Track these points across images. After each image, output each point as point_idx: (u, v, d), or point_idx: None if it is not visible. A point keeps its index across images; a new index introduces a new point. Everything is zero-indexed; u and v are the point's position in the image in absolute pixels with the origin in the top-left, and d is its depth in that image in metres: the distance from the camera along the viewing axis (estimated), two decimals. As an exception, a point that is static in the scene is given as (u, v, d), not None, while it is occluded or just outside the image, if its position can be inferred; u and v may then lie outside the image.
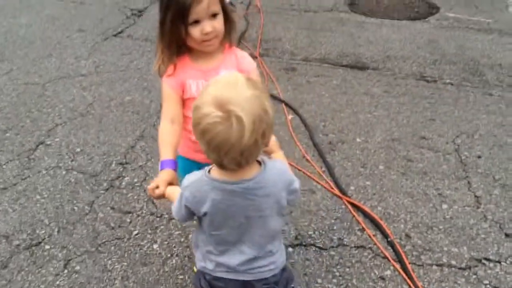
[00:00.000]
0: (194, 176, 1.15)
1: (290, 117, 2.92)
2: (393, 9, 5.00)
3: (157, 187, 1.27)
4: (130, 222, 2.08)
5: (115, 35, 4.05)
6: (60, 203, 2.17)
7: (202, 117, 1.00)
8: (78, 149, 2.56)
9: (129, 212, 2.13)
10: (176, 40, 1.37)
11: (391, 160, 2.56)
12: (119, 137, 2.68)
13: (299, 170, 2.44)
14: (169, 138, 1.39)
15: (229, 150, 1.00)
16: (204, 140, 1.02)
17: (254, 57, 3.69)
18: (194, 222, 1.32)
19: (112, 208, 2.15)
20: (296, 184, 1.18)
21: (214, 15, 1.33)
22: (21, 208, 2.13)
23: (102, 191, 2.26)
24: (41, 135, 2.66)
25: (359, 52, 3.89)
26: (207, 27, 1.32)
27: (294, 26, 4.39)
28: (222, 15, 1.35)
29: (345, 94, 3.23)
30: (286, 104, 3.05)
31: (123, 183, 2.31)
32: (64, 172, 2.37)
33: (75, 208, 2.14)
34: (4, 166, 2.41)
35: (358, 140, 2.73)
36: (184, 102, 1.44)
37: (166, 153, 1.37)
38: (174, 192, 1.25)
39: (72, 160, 2.47)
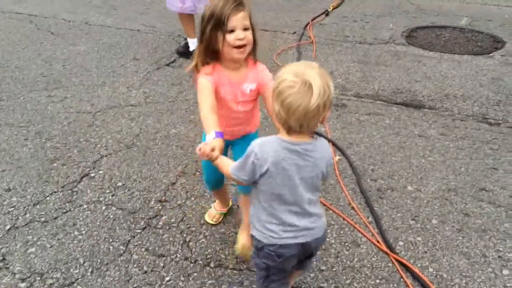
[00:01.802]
0: (264, 139, 1.41)
1: (337, 158, 2.78)
2: (454, 42, 4.75)
3: (213, 149, 1.47)
4: (164, 266, 2.02)
5: (167, 65, 4.11)
6: (96, 241, 2.15)
7: (281, 81, 1.30)
8: (120, 183, 2.55)
9: (163, 256, 2.07)
10: (212, 46, 1.64)
11: (446, 214, 2.35)
12: (161, 172, 2.65)
13: (343, 218, 2.30)
14: (213, 117, 1.60)
15: (296, 110, 1.28)
16: (279, 100, 1.31)
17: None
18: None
19: (147, 249, 2.10)
20: (331, 162, 1.49)
21: (246, 29, 1.62)
22: (59, 244, 2.13)
23: (139, 230, 2.22)
24: (86, 167, 2.69)
25: (415, 88, 3.70)
26: (240, 34, 1.61)
27: (347, 58, 4.27)
28: (251, 32, 1.64)
29: (397, 135, 3.05)
30: (334, 144, 2.91)
31: (160, 223, 2.27)
32: (104, 208, 2.37)
33: (111, 247, 2.11)
34: (48, 198, 2.43)
35: (409, 188, 2.55)
36: (218, 101, 1.69)
37: (215, 126, 1.57)
38: (224, 161, 1.53)
39: (113, 195, 2.46)
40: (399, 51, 4.47)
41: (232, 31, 1.60)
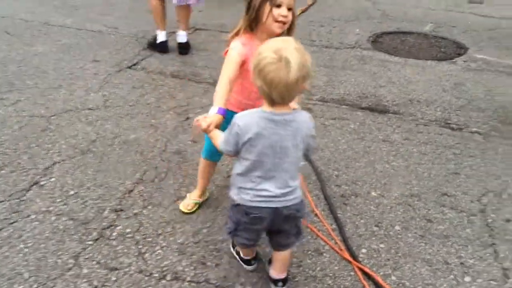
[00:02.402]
0: (245, 111, 1.57)
1: (301, 164, 2.71)
2: (419, 48, 4.80)
3: (209, 125, 1.65)
4: (116, 280, 1.90)
5: (129, 67, 3.97)
6: (43, 254, 2.01)
7: (262, 59, 1.42)
8: (72, 192, 2.41)
9: (116, 269, 1.95)
10: (258, 16, 1.78)
11: (409, 220, 2.33)
12: (118, 179, 2.53)
13: (307, 226, 2.23)
14: (225, 92, 1.77)
15: (278, 84, 1.41)
16: (261, 76, 1.43)
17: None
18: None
19: (98, 262, 1.98)
20: (313, 134, 1.61)
21: (289, 9, 1.77)
22: (2, 258, 1.98)
23: (90, 242, 2.09)
24: (37, 174, 2.53)
25: (380, 93, 3.69)
26: (284, 11, 1.76)
27: (313, 63, 4.21)
28: (291, 13, 1.79)
29: (362, 140, 3.02)
30: (298, 150, 2.85)
31: (114, 234, 2.14)
32: (53, 218, 2.22)
33: (59, 260, 1.98)
34: (-7, 208, 2.28)
35: (373, 194, 2.51)
36: (242, 73, 1.82)
37: (221, 102, 1.75)
38: (216, 134, 1.67)
39: (64, 204, 2.32)
40: (365, 55, 4.47)
41: (279, 6, 1.75)
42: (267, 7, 1.75)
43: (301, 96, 1.76)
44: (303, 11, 5.78)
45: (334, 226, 2.27)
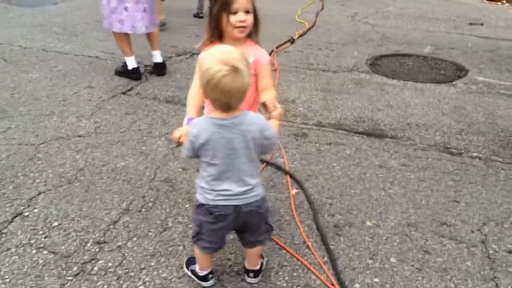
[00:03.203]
0: (199, 119, 1.71)
1: (293, 191, 2.64)
2: (417, 70, 4.74)
3: (181, 136, 1.76)
4: (93, 319, 1.80)
5: (123, 93, 3.94)
6: (20, 290, 1.92)
7: (215, 73, 1.49)
8: (56, 223, 2.33)
9: (94, 307, 1.86)
10: (218, 26, 1.88)
11: (406, 251, 2.21)
12: (103, 210, 2.45)
13: (297, 259, 2.13)
14: (196, 100, 1.93)
15: (237, 92, 1.53)
16: (218, 90, 1.52)
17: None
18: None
19: (76, 300, 1.88)
20: (269, 132, 1.66)
21: (247, 12, 1.84)
22: (-24, 295, 1.90)
23: (70, 277, 1.99)
24: (21, 205, 2.46)
25: (377, 117, 3.62)
26: (242, 17, 1.83)
27: (310, 86, 4.19)
28: (252, 15, 1.86)
29: (358, 166, 2.93)
30: (291, 177, 2.77)
31: (95, 268, 2.05)
32: (34, 251, 2.14)
33: (35, 298, 1.89)
34: (-28, 241, 2.20)
35: (368, 223, 2.41)
36: None
37: (192, 112, 1.92)
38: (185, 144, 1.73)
39: (46, 237, 2.23)
40: (363, 79, 4.42)
41: (235, 12, 1.82)
42: (224, 16, 1.84)
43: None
44: (300, 35, 5.77)
45: (326, 258, 2.16)
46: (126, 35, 4.08)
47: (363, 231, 2.35)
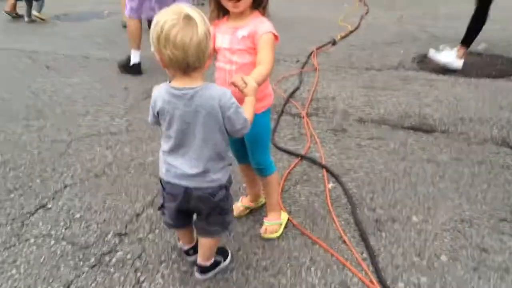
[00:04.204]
0: (161, 84, 1.51)
1: (329, 185, 2.41)
2: (471, 66, 4.38)
3: None
4: (105, 313, 1.66)
5: (159, 94, 3.87)
6: (34, 281, 1.81)
7: (163, 24, 1.32)
8: (78, 215, 2.24)
9: (107, 300, 1.71)
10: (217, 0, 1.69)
11: (459, 249, 1.93)
12: (128, 202, 2.33)
13: (332, 254, 1.90)
14: None
15: (190, 43, 1.32)
16: (170, 43, 1.32)
17: (301, 117, 3.28)
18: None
19: (90, 292, 1.75)
20: (232, 112, 1.44)
21: None
22: (-11, 284, 1.81)
23: (86, 268, 1.87)
24: (45, 197, 2.39)
25: (425, 112, 3.33)
26: None
27: (351, 84, 3.95)
28: None
29: (403, 160, 2.67)
30: (327, 170, 2.55)
31: (113, 260, 1.92)
32: (53, 242, 2.04)
33: (48, 288, 1.77)
34: (-7, 231, 2.13)
35: (414, 219, 2.14)
36: (216, 52, 1.77)
37: None
38: None
39: (66, 228, 2.14)
40: (409, 75, 4.14)
41: None
42: None
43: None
44: (343, 37, 5.56)
45: (365, 255, 1.91)
46: (140, 26, 4.19)
47: (408, 227, 2.08)
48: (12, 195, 2.43)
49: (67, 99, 3.79)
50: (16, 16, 7.15)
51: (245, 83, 1.51)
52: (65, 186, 2.49)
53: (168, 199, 1.63)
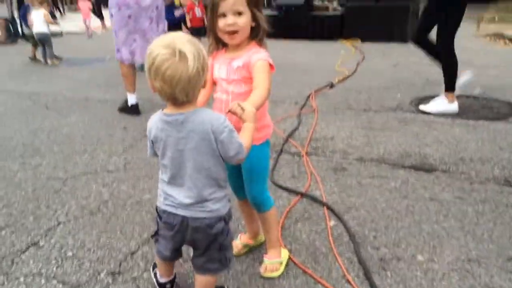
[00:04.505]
0: (153, 115, 1.49)
1: (331, 223, 2.34)
2: (468, 109, 4.42)
3: None
4: None
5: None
6: (21, 321, 1.72)
7: (155, 57, 1.31)
8: (70, 253, 2.15)
9: None
10: (213, 32, 1.70)
11: (467, 289, 1.85)
12: (123, 240, 2.25)
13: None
14: None
15: (179, 80, 1.31)
16: (159, 76, 1.32)
17: (300, 156, 3.25)
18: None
19: (79, 333, 1.65)
20: (225, 136, 1.40)
21: (239, 13, 1.62)
22: (-28, 324, 1.70)
23: (77, 308, 1.78)
24: (38, 235, 2.31)
25: (425, 152, 3.31)
26: (229, 20, 1.61)
27: (350, 124, 3.96)
28: (248, 16, 1.64)
29: (405, 198, 2.62)
30: (328, 208, 2.49)
31: (105, 299, 1.83)
32: (43, 281, 1.95)
33: (34, 329, 1.67)
34: (-19, 270, 2.04)
35: (420, 258, 2.06)
36: (214, 83, 1.78)
37: None
38: None
39: (57, 267, 2.05)
40: (407, 117, 4.15)
41: (224, 15, 1.62)
42: (214, 20, 1.66)
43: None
44: (340, 81, 5.64)
45: (370, 295, 1.83)
46: (133, 70, 4.34)
47: (414, 266, 2.00)
48: (3, 232, 2.35)
49: (65, 138, 3.77)
50: (34, 59, 7.65)
51: (242, 109, 1.47)
52: (59, 224, 2.42)
53: (164, 229, 1.56)
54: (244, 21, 1.63)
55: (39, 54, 7.52)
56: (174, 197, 1.48)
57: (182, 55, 1.30)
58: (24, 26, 7.58)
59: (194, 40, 1.37)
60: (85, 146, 3.58)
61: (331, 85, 5.33)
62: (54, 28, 7.40)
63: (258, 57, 1.66)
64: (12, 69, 7.10)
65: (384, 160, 3.18)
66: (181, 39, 1.34)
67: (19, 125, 4.15)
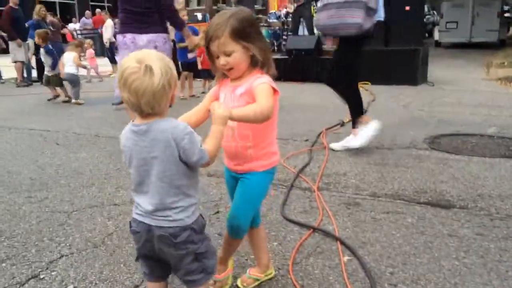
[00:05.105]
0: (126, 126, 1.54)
1: (345, 258, 2.22)
2: (483, 147, 4.33)
3: None
4: None
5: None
6: None
7: (124, 69, 1.39)
8: (71, 286, 2.05)
9: None
10: (215, 67, 1.77)
11: (495, 329, 1.70)
12: (125, 273, 2.15)
13: None
14: (188, 114, 1.79)
15: (144, 92, 1.38)
16: (126, 87, 1.39)
17: (312, 191, 3.16)
18: None
19: None
20: (186, 142, 1.43)
21: (228, 54, 1.68)
22: None
23: None
24: (39, 267, 2.22)
25: (441, 189, 3.20)
26: (221, 61, 1.70)
27: (363, 161, 3.88)
28: (239, 51, 1.68)
29: (423, 234, 2.49)
30: (342, 243, 2.37)
31: (105, 335, 1.71)
32: (40, 314, 1.85)
33: None
34: (-23, 302, 1.95)
35: (441, 295, 1.93)
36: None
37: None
38: None
39: (57, 299, 1.95)
40: (422, 155, 4.06)
41: (217, 57, 1.71)
42: (213, 60, 1.75)
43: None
44: (350, 120, 5.60)
45: (389, 334, 1.69)
46: None
47: (435, 304, 1.87)
48: (3, 265, 2.26)
49: (74, 172, 3.73)
50: (53, 99, 7.97)
51: (217, 108, 1.54)
52: (61, 256, 2.33)
53: (135, 241, 1.57)
54: (235, 59, 1.69)
55: (62, 93, 7.73)
56: (141, 205, 1.51)
57: (149, 70, 1.37)
58: (47, 68, 7.79)
59: (165, 57, 1.45)
60: (93, 180, 3.53)
61: (342, 124, 5.29)
62: (81, 71, 7.73)
63: (259, 81, 1.70)
64: (25, 109, 7.21)
65: (398, 196, 3.08)
66: (152, 55, 1.42)
67: (28, 160, 4.13)
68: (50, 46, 7.84)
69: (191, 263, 1.53)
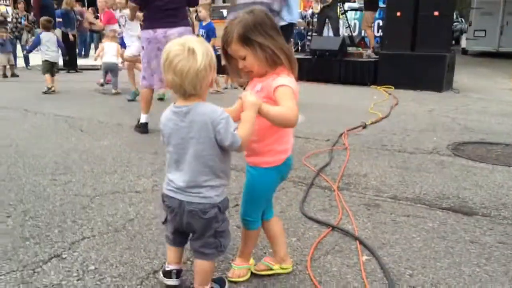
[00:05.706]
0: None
1: (364, 258, 2.21)
2: (508, 156, 4.24)
3: None
4: None
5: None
6: (35, 330, 1.64)
7: (169, 52, 1.53)
8: (92, 267, 2.09)
9: None
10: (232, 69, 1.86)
11: (516, 337, 1.68)
12: (145, 258, 2.18)
13: None
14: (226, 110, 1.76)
15: (188, 72, 1.51)
16: (171, 68, 1.52)
17: (332, 190, 3.15)
18: None
19: None
20: (222, 127, 1.55)
21: (243, 58, 1.74)
22: (-14, 330, 1.64)
23: (94, 323, 1.69)
24: (61, 247, 2.27)
25: (464, 195, 3.15)
26: (240, 64, 1.77)
27: (384, 164, 3.84)
28: (252, 54, 1.72)
29: (443, 239, 2.46)
30: (361, 242, 2.36)
31: (124, 316, 1.74)
32: (62, 292, 1.89)
33: None
34: (1, 277, 2.00)
35: (461, 300, 1.91)
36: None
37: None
38: None
39: (78, 279, 1.99)
40: (445, 160, 4.01)
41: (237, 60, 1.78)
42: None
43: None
44: (373, 122, 5.56)
45: (406, 335, 1.68)
46: (151, 96, 4.83)
47: (454, 309, 1.85)
48: (27, 243, 2.32)
49: (97, 159, 3.80)
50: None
51: (247, 95, 1.62)
52: (83, 238, 2.38)
53: (167, 212, 1.74)
54: (250, 62, 1.74)
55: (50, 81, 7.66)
56: (174, 182, 1.65)
57: (192, 51, 1.50)
58: (46, 55, 7.76)
59: (204, 41, 1.60)
60: (115, 167, 3.58)
61: (364, 126, 5.25)
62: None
63: (278, 82, 1.70)
64: (51, 95, 7.36)
65: (420, 200, 3.04)
66: (193, 39, 1.56)
67: (53, 145, 4.22)
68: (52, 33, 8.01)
69: (209, 237, 1.68)
